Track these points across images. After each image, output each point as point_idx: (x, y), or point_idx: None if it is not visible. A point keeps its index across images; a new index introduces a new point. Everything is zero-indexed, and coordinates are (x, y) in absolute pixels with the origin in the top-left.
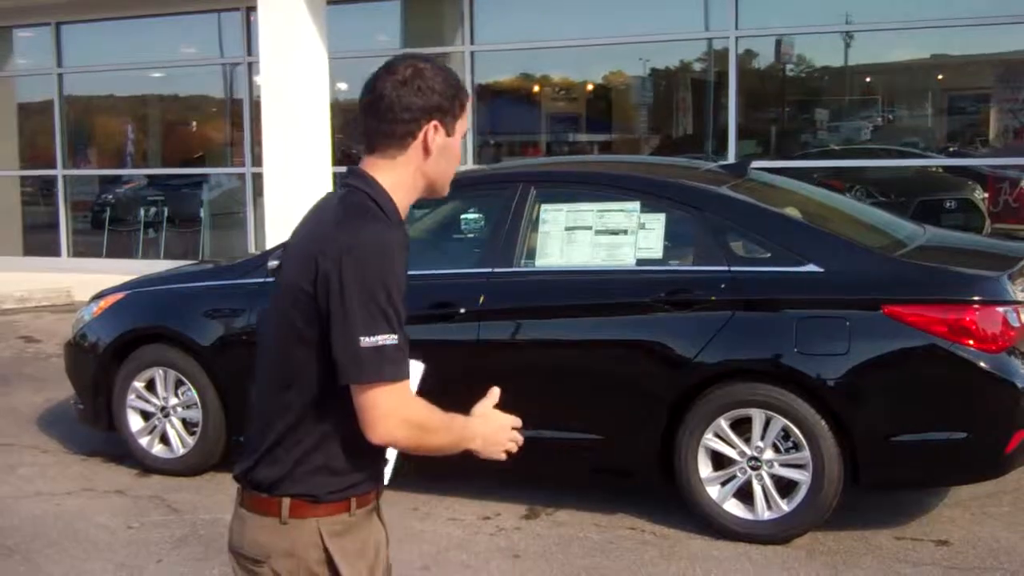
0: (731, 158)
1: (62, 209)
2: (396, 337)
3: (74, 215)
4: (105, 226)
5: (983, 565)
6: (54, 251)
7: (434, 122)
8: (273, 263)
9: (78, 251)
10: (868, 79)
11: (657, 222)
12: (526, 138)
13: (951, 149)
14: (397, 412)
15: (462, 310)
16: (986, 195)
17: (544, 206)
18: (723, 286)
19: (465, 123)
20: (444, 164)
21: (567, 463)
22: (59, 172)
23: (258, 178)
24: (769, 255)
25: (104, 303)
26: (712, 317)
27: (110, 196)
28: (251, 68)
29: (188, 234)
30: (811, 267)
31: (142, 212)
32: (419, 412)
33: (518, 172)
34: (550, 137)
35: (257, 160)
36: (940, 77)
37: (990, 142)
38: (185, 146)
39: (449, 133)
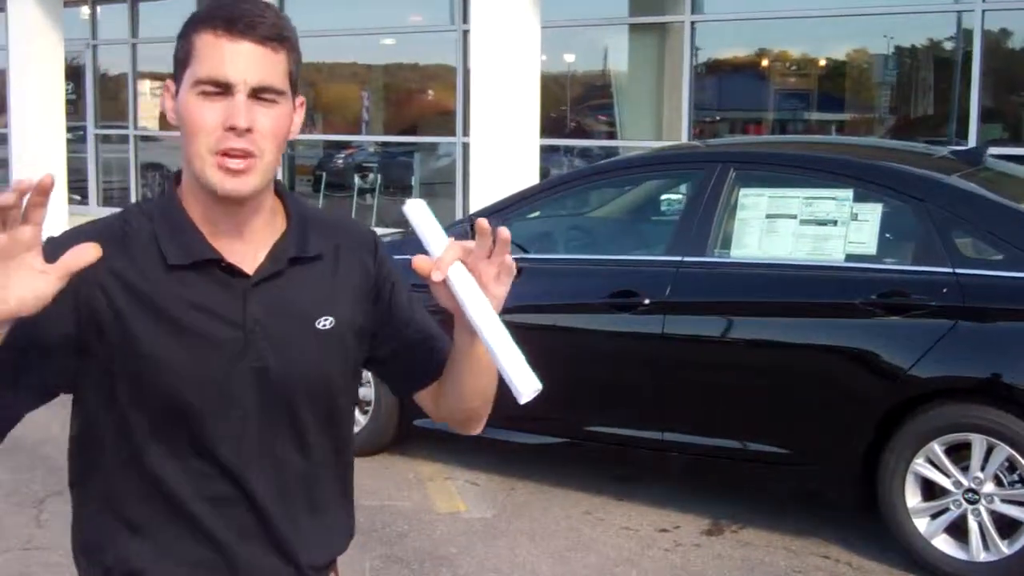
0: (972, 143)
1: (283, 173)
2: None
3: (299, 179)
4: (321, 192)
5: None
6: None
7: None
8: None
9: None
10: None
11: (872, 213)
12: (750, 115)
13: None
14: None
15: (647, 301)
16: None
17: (744, 190)
18: (945, 290)
19: (200, 72)
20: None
21: (753, 477)
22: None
23: (469, 148)
24: (1002, 257)
25: None
26: (931, 325)
27: (330, 162)
28: (465, 36)
29: (399, 202)
30: None
31: (357, 179)
32: None
33: (717, 152)
34: (776, 115)
35: (469, 130)
36: None
37: None
38: (400, 115)
39: (176, 93)
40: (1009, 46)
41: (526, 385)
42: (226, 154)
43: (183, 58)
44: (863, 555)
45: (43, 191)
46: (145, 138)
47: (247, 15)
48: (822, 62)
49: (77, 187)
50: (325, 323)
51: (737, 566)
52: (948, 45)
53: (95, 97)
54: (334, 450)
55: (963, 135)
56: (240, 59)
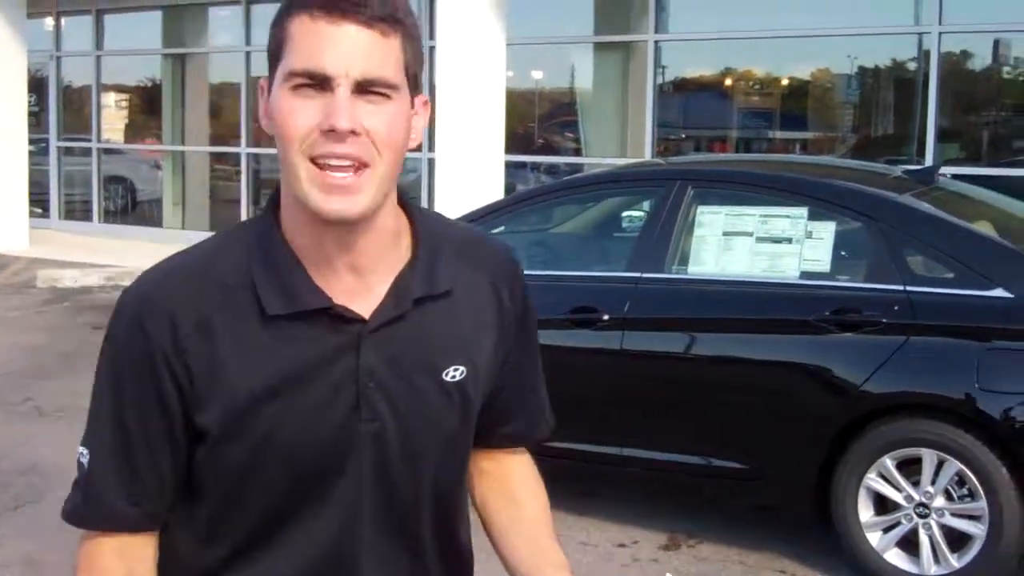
0: (928, 162)
1: (244, 186)
2: None
3: (264, 192)
4: None
5: None
6: None
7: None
8: None
9: None
10: None
11: (826, 231)
12: (714, 134)
13: None
14: None
15: (606, 316)
16: None
17: (701, 208)
18: (897, 307)
19: (293, 64)
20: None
21: (710, 492)
22: (243, 150)
23: (434, 163)
24: (952, 275)
25: None
26: (883, 342)
27: None
28: (432, 52)
29: None
30: (999, 291)
31: None
32: None
33: (676, 169)
34: (740, 133)
35: (435, 145)
36: None
37: None
38: None
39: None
40: (968, 68)
41: None
42: (326, 165)
43: (275, 49)
44: (817, 569)
45: None
46: (108, 151)
47: None
48: (785, 81)
49: (38, 200)
50: (455, 374)
51: None
52: (909, 66)
53: (58, 109)
54: (450, 534)
55: (922, 155)
56: (342, 45)
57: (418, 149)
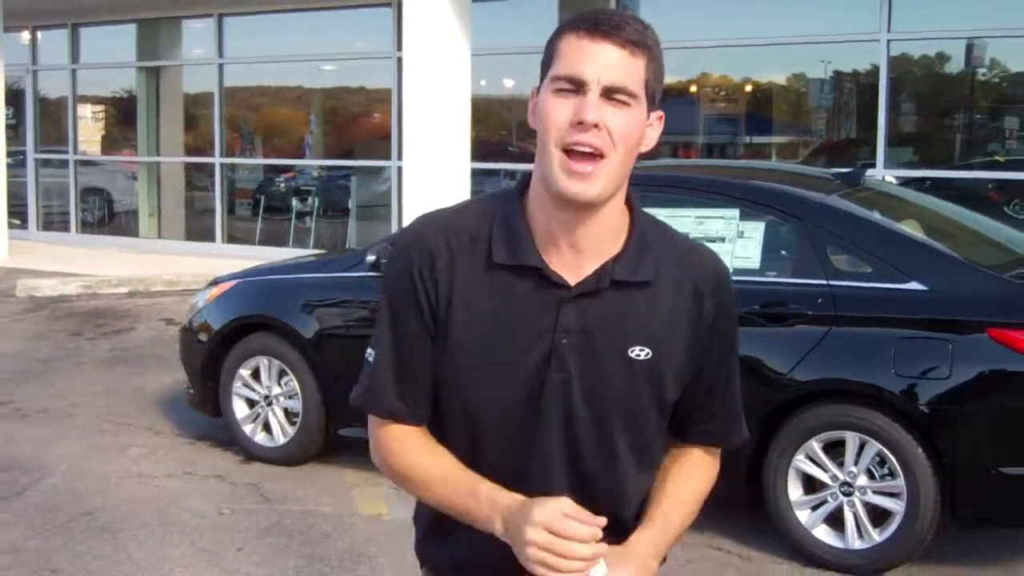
0: (880, 165)
1: (218, 196)
2: None
3: (239, 202)
4: (260, 214)
5: None
6: (210, 237)
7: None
8: (371, 257)
9: (233, 237)
10: None
11: (756, 231)
12: (679, 139)
13: None
14: None
15: None
16: None
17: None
18: (820, 301)
19: (558, 70)
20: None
21: None
22: (217, 160)
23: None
24: (870, 270)
25: (217, 290)
26: (807, 333)
27: (275, 186)
28: (399, 63)
29: (337, 225)
30: (914, 284)
31: (295, 202)
32: None
33: None
34: (706, 139)
35: (403, 154)
36: None
37: None
38: (339, 139)
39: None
40: (919, 74)
41: None
42: (573, 153)
43: (547, 60)
44: (751, 546)
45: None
46: (85, 163)
47: (612, 19)
48: (748, 88)
49: (17, 211)
50: (640, 353)
51: None
52: (862, 73)
53: (35, 122)
54: (637, 465)
55: (871, 158)
56: (598, 59)
57: (388, 157)
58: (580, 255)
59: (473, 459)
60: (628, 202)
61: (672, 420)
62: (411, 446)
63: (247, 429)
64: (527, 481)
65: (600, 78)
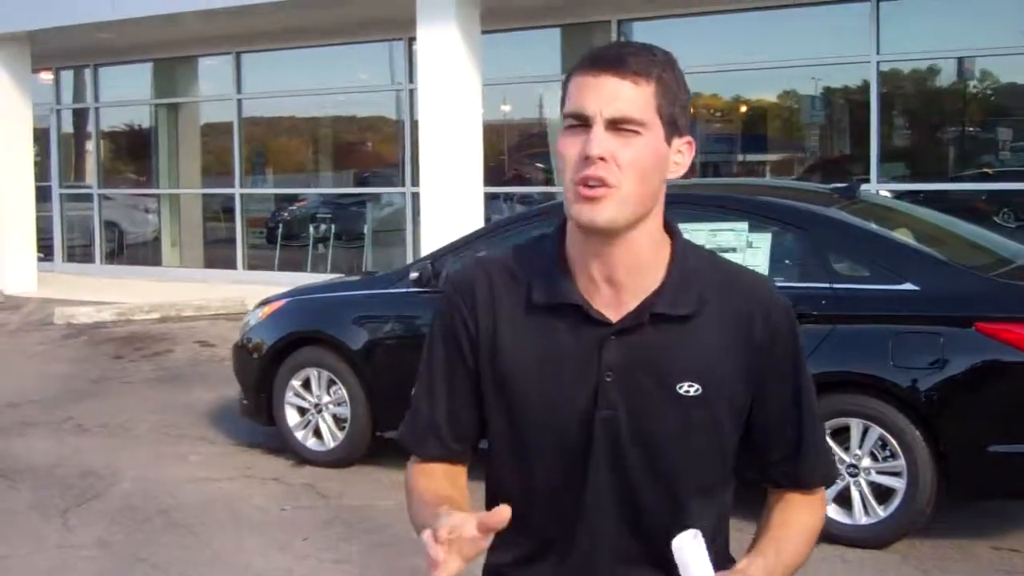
0: (874, 180)
1: (239, 225)
2: None
3: (251, 230)
4: (278, 241)
5: None
6: (231, 264)
7: None
8: (414, 274)
9: (253, 264)
10: None
11: (764, 241)
12: None
13: None
14: None
15: None
16: None
17: None
18: (824, 302)
19: (567, 108)
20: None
21: None
22: (236, 191)
23: (418, 198)
24: (868, 273)
25: (268, 309)
26: (813, 331)
27: (284, 213)
28: (412, 95)
29: (353, 250)
30: (907, 285)
31: (311, 229)
32: None
33: None
34: (704, 157)
35: (417, 181)
36: None
37: None
38: (352, 168)
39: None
40: (909, 90)
41: None
42: (584, 184)
43: (562, 100)
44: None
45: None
46: (107, 197)
47: (612, 52)
48: (742, 108)
49: (43, 244)
50: (689, 389)
51: None
52: (853, 90)
53: (59, 158)
54: (699, 506)
55: (865, 174)
56: (598, 93)
57: (401, 184)
58: (619, 291)
59: (524, 498)
60: (669, 231)
61: (752, 463)
62: (423, 476)
63: (299, 435)
64: (580, 519)
65: (602, 111)
